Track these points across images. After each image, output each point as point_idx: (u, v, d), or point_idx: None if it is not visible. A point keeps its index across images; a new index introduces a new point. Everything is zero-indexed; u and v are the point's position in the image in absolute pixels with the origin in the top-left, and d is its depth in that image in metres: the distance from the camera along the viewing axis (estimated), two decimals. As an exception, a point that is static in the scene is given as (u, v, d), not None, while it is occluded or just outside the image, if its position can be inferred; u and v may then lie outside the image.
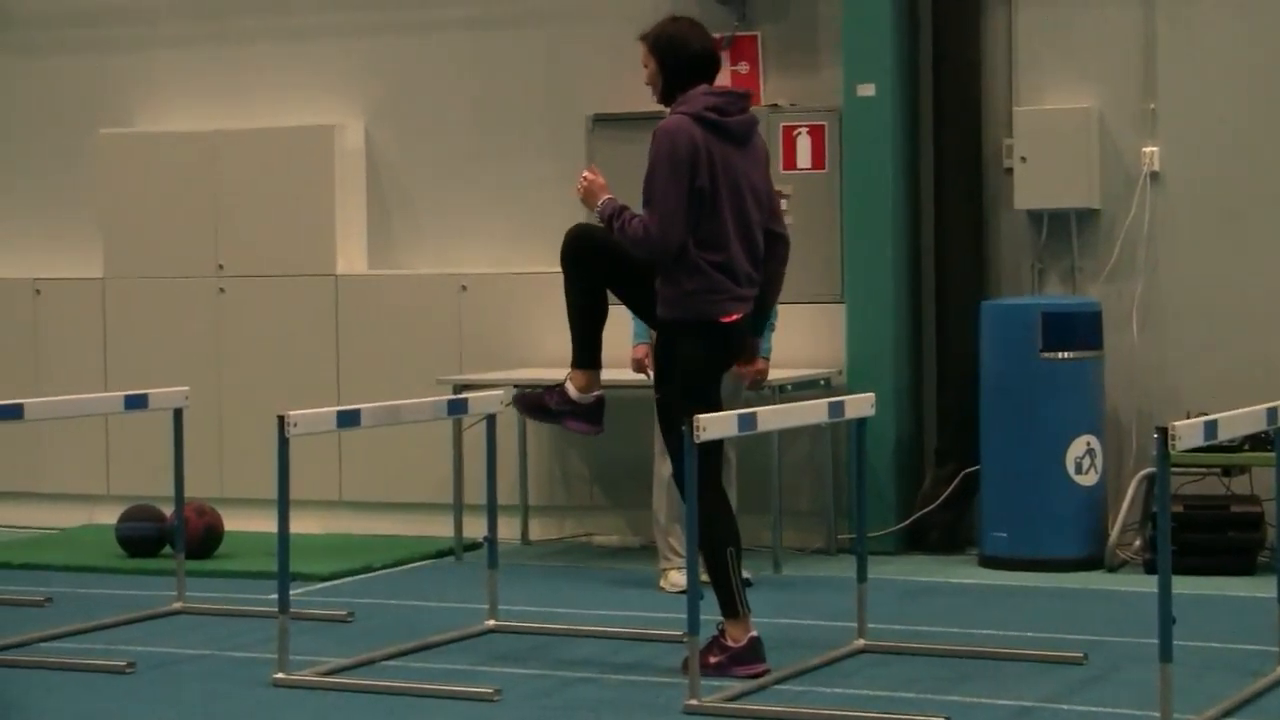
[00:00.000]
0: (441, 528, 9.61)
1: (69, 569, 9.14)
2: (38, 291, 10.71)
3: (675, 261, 6.54)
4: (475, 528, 9.24)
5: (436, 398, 8.03)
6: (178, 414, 8.05)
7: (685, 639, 6.24)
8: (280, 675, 6.63)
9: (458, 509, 9.41)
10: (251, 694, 6.55)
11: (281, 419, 6.59)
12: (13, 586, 8.59)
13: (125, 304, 10.51)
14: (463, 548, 9.40)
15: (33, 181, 10.97)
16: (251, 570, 8.85)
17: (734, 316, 6.62)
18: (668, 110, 6.69)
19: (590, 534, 9.86)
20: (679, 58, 6.66)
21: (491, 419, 7.62)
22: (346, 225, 10.27)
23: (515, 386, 9.28)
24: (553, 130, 9.93)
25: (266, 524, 9.52)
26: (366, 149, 10.38)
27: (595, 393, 6.83)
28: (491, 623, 7.52)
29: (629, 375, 8.49)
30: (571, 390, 6.82)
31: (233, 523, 9.50)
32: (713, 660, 6.57)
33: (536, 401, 6.95)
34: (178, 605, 8.00)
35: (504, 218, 10.17)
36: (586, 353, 6.81)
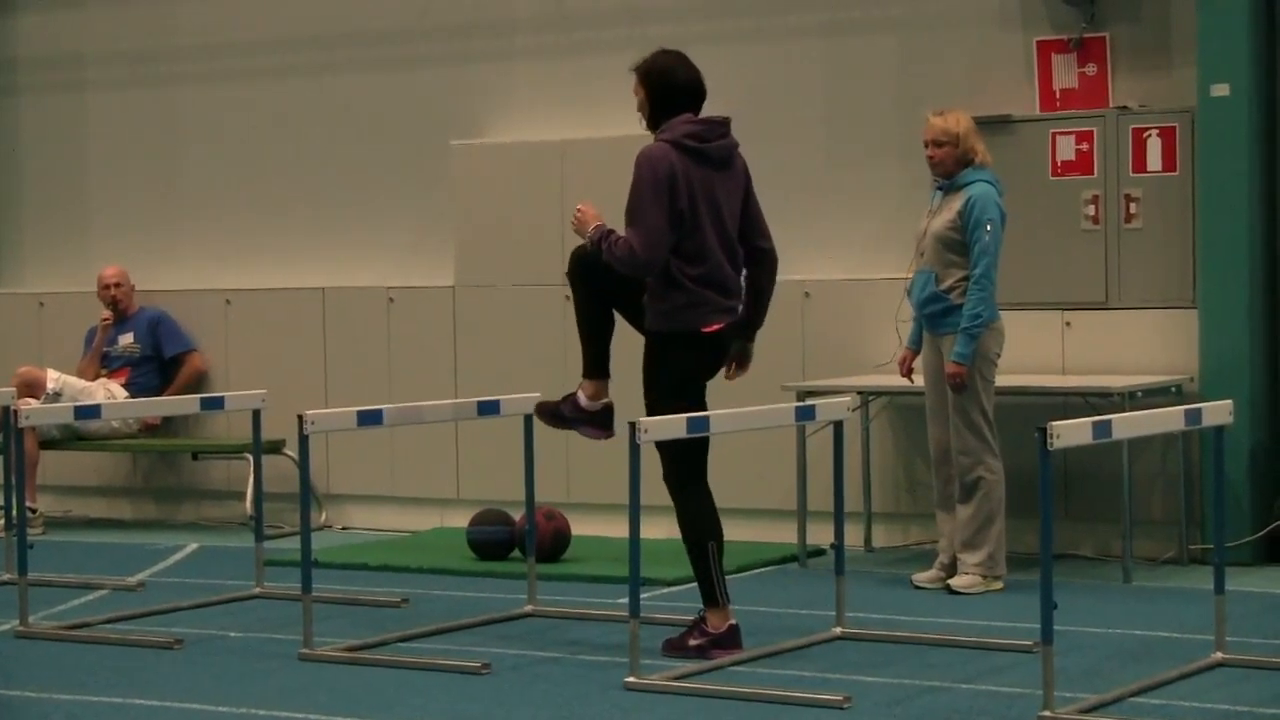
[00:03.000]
0: (785, 534, 9.62)
1: (422, 571, 9.35)
2: (391, 300, 10.98)
3: (660, 277, 7.07)
4: (818, 534, 9.27)
5: (784, 404, 8.04)
6: (528, 420, 8.18)
7: (1036, 648, 6.15)
8: (632, 679, 6.70)
9: (801, 515, 9.42)
10: (605, 697, 6.63)
11: (633, 425, 6.66)
12: (371, 587, 8.84)
13: (475, 311, 10.73)
14: (806, 554, 9.39)
15: (387, 192, 11.25)
16: (599, 574, 8.97)
17: (715, 327, 7.15)
18: (654, 136, 7.16)
19: (935, 541, 9.76)
20: (665, 88, 7.16)
21: (838, 425, 7.61)
22: (690, 233, 10.32)
23: (859, 393, 9.28)
24: (901, 137, 9.86)
25: (612, 529, 9.72)
26: (709, 157, 10.43)
27: (604, 400, 7.45)
28: (839, 630, 7.50)
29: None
30: (582, 399, 7.45)
31: (579, 528, 9.64)
32: (693, 643, 7.16)
33: (552, 409, 7.56)
34: (529, 608, 8.14)
35: (848, 224, 10.14)
36: (595, 364, 7.42)
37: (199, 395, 10.50)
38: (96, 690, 6.88)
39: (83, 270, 11.94)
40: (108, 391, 11.31)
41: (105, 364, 11.58)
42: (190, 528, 11.31)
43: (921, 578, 8.69)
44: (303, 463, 7.50)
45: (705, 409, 7.21)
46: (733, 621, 7.20)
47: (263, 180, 11.60)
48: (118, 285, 11.54)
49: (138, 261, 11.75)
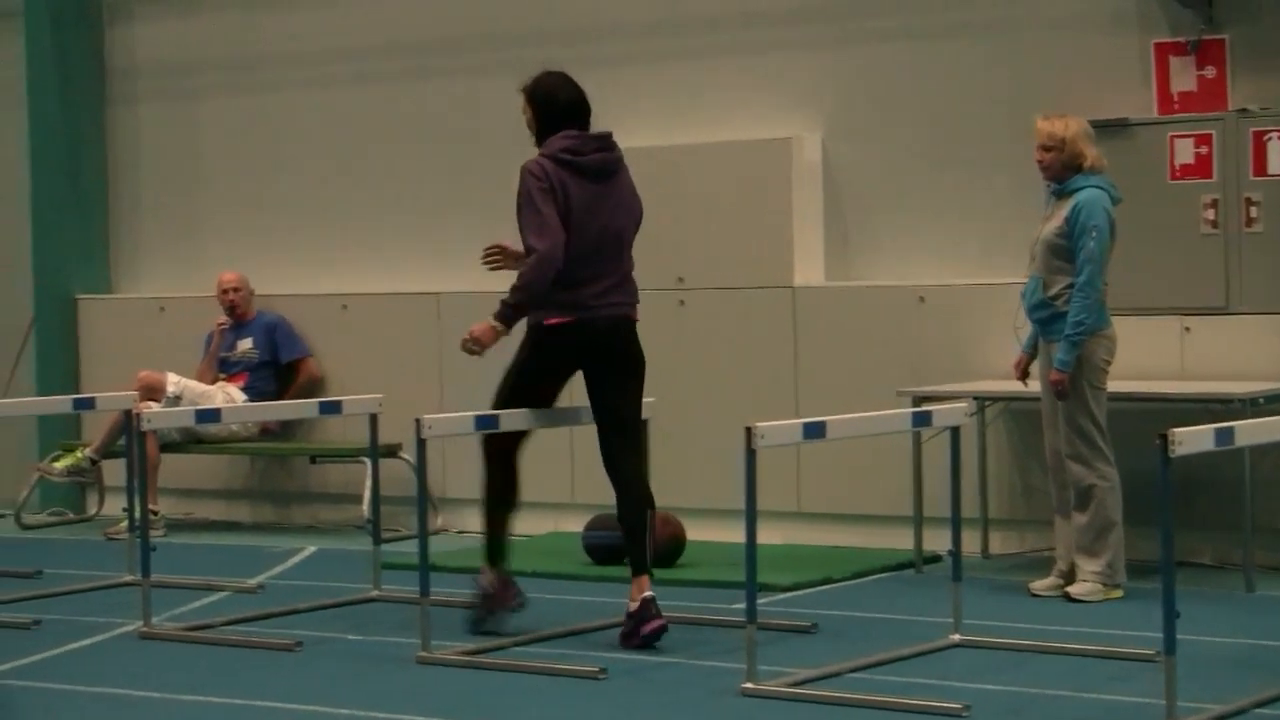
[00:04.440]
0: (899, 540, 9.58)
1: (537, 575, 9.37)
2: (505, 304, 11.01)
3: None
4: (933, 540, 9.23)
5: (900, 410, 8.02)
6: (644, 424, 8.19)
7: (1158, 657, 6.10)
8: (749, 685, 6.69)
9: (917, 521, 9.38)
10: (720, 703, 6.63)
11: (749, 430, 6.65)
12: (487, 591, 8.88)
13: (589, 316, 10.73)
14: (922, 560, 9.35)
15: (504, 196, 11.21)
16: (714, 580, 8.96)
17: (558, 321, 7.62)
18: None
19: (1052, 548, 9.69)
20: (549, 107, 7.77)
21: (955, 431, 7.58)
22: (804, 237, 10.32)
23: (975, 398, 9.23)
24: (1012, 139, 9.79)
25: (726, 534, 9.71)
26: (824, 161, 10.43)
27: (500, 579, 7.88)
28: (956, 637, 7.47)
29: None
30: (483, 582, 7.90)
31: (694, 532, 9.64)
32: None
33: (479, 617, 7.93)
34: (645, 613, 8.15)
35: (962, 229, 10.10)
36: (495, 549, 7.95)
37: (317, 400, 10.60)
38: (217, 691, 6.96)
39: (201, 275, 12.07)
40: (227, 395, 11.42)
41: (223, 368, 11.70)
42: (307, 531, 11.42)
43: (1039, 585, 8.63)
44: (420, 467, 7.55)
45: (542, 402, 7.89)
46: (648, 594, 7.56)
47: (376, 185, 11.68)
48: (236, 290, 11.66)
49: (254, 266, 11.87)
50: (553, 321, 7.66)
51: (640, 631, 7.51)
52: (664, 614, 7.57)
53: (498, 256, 7.92)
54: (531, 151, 7.84)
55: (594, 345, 7.73)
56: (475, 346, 7.71)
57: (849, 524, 10.08)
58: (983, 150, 10.05)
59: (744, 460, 6.68)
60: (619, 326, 7.77)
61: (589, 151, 7.70)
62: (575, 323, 7.65)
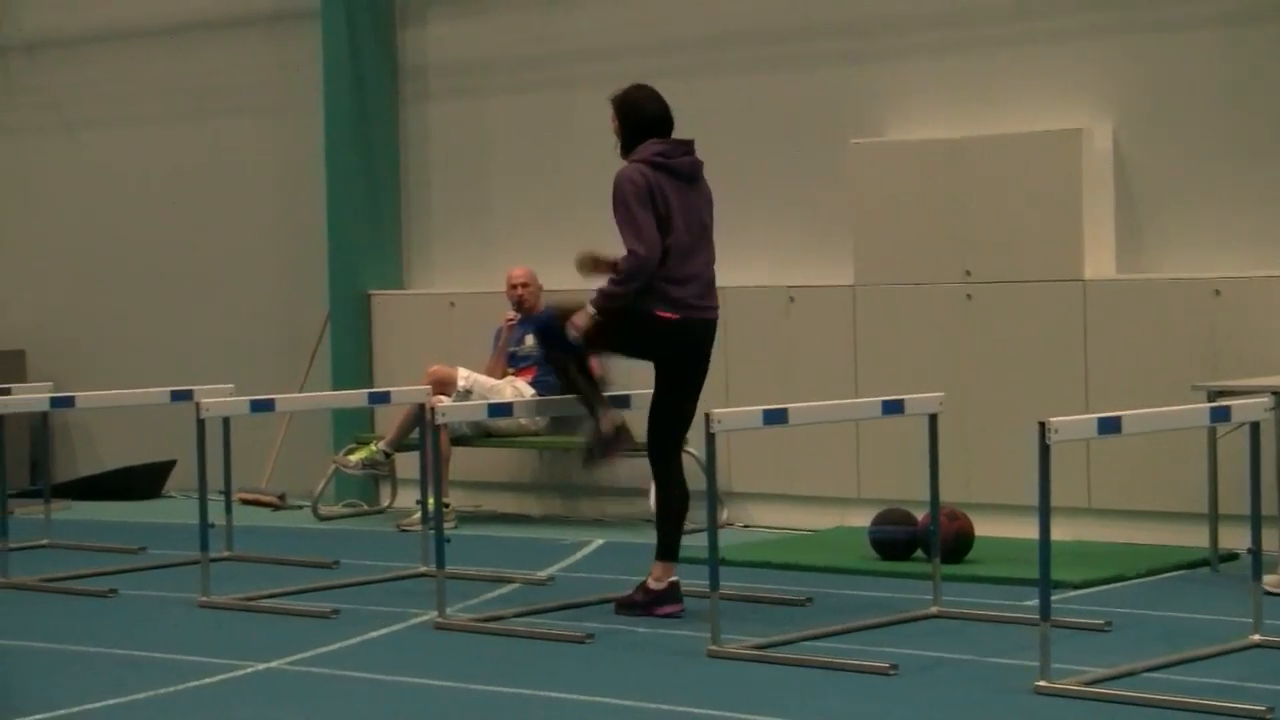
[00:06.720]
0: (1193, 537, 9.38)
1: (824, 570, 9.37)
2: (791, 299, 11.02)
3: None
4: (1228, 538, 9.03)
5: (1197, 405, 7.85)
6: (932, 419, 8.15)
7: None
8: (1043, 683, 6.61)
9: (1213, 519, 9.17)
10: (1014, 701, 6.56)
11: (1042, 426, 6.57)
12: (775, 585, 8.90)
13: (875, 311, 10.70)
14: (1218, 558, 9.15)
15: (787, 192, 11.31)
16: (1003, 576, 8.87)
17: (666, 315, 8.07)
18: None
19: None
20: (636, 118, 8.20)
21: (1254, 427, 7.40)
22: (1094, 229, 10.16)
23: (1274, 393, 8.99)
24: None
25: (1015, 529, 9.61)
26: (1114, 151, 10.25)
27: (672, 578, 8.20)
28: (1257, 637, 7.29)
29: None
30: (651, 584, 8.23)
31: (981, 528, 9.54)
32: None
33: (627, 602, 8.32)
34: (934, 609, 8.10)
35: (1260, 219, 9.86)
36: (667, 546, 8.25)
37: (608, 393, 10.66)
38: (509, 682, 7.06)
39: (489, 271, 12.25)
40: (515, 389, 11.57)
41: (511, 363, 11.85)
42: (594, 524, 11.53)
43: None
44: (709, 461, 7.58)
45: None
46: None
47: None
48: (525, 285, 11.80)
49: (542, 262, 12.01)
50: (663, 314, 8.09)
51: (657, 609, 8.12)
52: (951, 611, 7.47)
53: (591, 264, 8.27)
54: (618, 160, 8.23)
55: (689, 345, 8.20)
56: (578, 334, 8.17)
57: (1141, 520, 9.90)
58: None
59: (1037, 455, 6.59)
60: (710, 331, 8.27)
61: (678, 155, 8.18)
62: (681, 321, 8.12)
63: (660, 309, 8.09)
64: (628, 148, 8.25)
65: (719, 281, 8.33)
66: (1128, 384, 9.79)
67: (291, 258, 13.18)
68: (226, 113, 13.45)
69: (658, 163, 8.11)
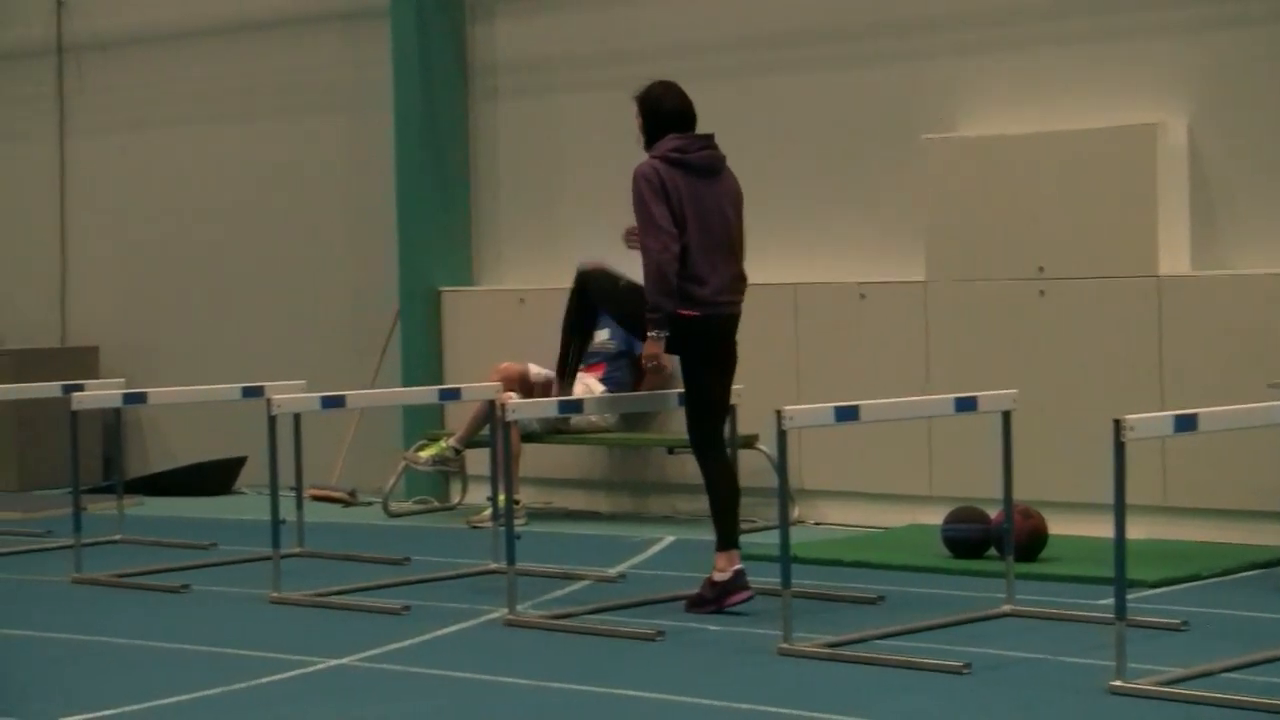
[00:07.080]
0: (1271, 536, 9.31)
1: (896, 568, 9.32)
2: (862, 295, 10.97)
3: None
4: (1306, 537, 8.97)
5: (1273, 402, 7.76)
6: (1006, 416, 8.08)
7: None
8: (1118, 683, 6.55)
9: (1292, 517, 9.10)
10: (1088, 701, 6.50)
11: (1118, 423, 6.50)
12: (846, 583, 8.85)
13: (946, 307, 10.64)
14: (1296, 558, 9.07)
15: (858, 187, 11.25)
16: (1077, 575, 8.80)
17: (688, 313, 8.15)
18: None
19: None
20: (656, 114, 8.35)
21: (1335, 425, 7.32)
22: (1169, 225, 10.07)
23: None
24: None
25: (1089, 528, 9.54)
26: (1189, 147, 10.16)
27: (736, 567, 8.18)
28: (1335, 637, 7.22)
29: None
30: (715, 574, 8.23)
31: (1055, 526, 9.47)
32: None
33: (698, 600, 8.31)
34: (1007, 608, 8.04)
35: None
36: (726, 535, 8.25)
37: (675, 390, 10.65)
38: (579, 679, 7.04)
39: (559, 267, 12.23)
40: (585, 386, 11.54)
41: (581, 359, 11.83)
42: (664, 521, 11.50)
43: None
44: (780, 458, 7.53)
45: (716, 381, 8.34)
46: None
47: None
48: (596, 281, 11.76)
49: (611, 259, 11.97)
50: (684, 312, 8.17)
51: (727, 601, 8.12)
52: (1024, 609, 7.41)
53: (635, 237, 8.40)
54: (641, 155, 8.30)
55: (713, 339, 8.29)
56: (655, 364, 8.28)
57: (1217, 519, 9.81)
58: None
59: (1112, 453, 6.53)
60: (733, 324, 8.36)
61: (695, 150, 8.27)
62: (702, 317, 8.21)
63: (682, 307, 8.17)
64: (650, 143, 8.37)
65: (752, 279, 8.48)
66: (1203, 381, 9.70)
67: (362, 255, 13.21)
68: (297, 111, 13.50)
69: (673, 159, 8.22)
